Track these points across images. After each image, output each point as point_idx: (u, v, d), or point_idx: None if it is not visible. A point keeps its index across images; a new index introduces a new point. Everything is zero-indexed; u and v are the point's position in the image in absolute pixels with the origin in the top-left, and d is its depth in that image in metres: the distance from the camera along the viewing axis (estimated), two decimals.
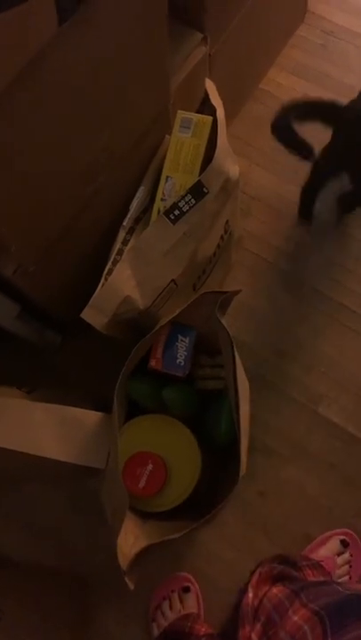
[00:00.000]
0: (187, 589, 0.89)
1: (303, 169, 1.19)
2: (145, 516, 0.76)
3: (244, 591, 0.78)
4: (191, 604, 0.88)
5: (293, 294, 1.11)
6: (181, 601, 0.88)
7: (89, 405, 0.76)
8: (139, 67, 0.68)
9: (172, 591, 0.90)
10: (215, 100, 0.79)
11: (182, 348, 0.78)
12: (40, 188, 0.66)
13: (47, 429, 0.72)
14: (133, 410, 0.82)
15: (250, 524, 0.96)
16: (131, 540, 0.68)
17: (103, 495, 0.73)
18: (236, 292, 0.75)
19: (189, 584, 0.90)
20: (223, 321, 0.69)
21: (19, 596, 0.83)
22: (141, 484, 0.73)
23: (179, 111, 0.78)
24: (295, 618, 0.60)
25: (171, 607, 0.88)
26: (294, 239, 1.15)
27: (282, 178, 1.20)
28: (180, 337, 0.78)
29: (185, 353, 0.78)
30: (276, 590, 0.71)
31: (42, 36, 0.47)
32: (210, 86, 0.81)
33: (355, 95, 0.89)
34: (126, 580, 0.62)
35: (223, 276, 1.07)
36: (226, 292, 0.71)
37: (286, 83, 1.28)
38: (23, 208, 0.66)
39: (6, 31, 0.43)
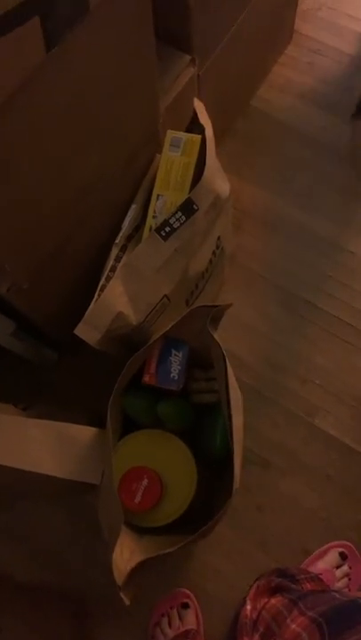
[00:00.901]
0: (185, 605, 0.89)
1: (293, 185, 1.22)
2: (141, 531, 0.76)
3: (242, 605, 0.78)
4: (190, 620, 0.87)
5: (287, 308, 1.12)
6: (180, 617, 0.88)
7: (85, 422, 0.77)
8: (128, 89, 0.70)
9: (171, 607, 0.89)
10: (204, 119, 0.81)
11: (176, 362, 0.79)
12: (32, 208, 0.67)
13: (43, 446, 0.72)
14: (129, 425, 0.82)
15: (248, 537, 0.96)
16: (126, 555, 0.68)
17: (99, 511, 0.73)
18: (228, 306, 0.76)
19: (188, 600, 0.90)
20: (215, 334, 0.70)
21: (17, 612, 0.83)
22: (137, 498, 0.73)
23: (168, 131, 0.79)
24: (293, 626, 0.60)
25: (170, 624, 0.87)
26: (286, 253, 1.16)
27: (273, 193, 1.22)
28: (173, 351, 0.79)
29: (179, 367, 0.78)
30: (275, 601, 0.71)
31: (29, 63, 0.49)
32: (198, 106, 0.83)
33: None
34: (122, 595, 0.61)
35: (216, 290, 1.08)
36: (217, 306, 0.72)
37: (276, 100, 1.31)
38: (16, 227, 0.67)
39: None
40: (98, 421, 0.77)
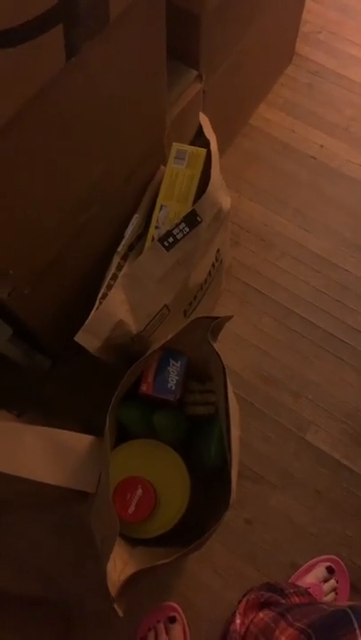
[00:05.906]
0: (173, 619, 0.88)
1: (290, 203, 1.24)
2: (134, 542, 0.75)
3: (231, 619, 0.77)
4: (177, 635, 0.87)
5: (281, 322, 1.13)
6: (167, 631, 0.87)
7: (78, 429, 0.76)
8: (138, 101, 0.71)
9: (158, 621, 0.88)
10: (209, 133, 0.82)
11: (174, 372, 0.79)
12: (36, 216, 0.67)
13: (37, 452, 0.71)
14: (122, 434, 0.82)
15: (237, 552, 0.96)
16: (119, 566, 0.67)
17: (92, 521, 0.72)
18: (228, 318, 0.76)
19: (175, 614, 0.89)
20: (215, 346, 0.70)
21: (6, 625, 0.81)
22: (131, 509, 0.73)
23: (174, 143, 0.80)
24: (282, 638, 0.60)
25: (156, 638, 0.86)
26: (282, 268, 1.17)
27: (270, 210, 1.23)
28: (171, 362, 0.79)
29: (176, 377, 0.79)
30: (263, 614, 0.71)
31: (49, 71, 0.49)
32: (204, 120, 0.84)
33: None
34: (115, 607, 0.61)
35: (213, 302, 1.09)
36: (218, 318, 0.72)
37: (275, 119, 1.33)
38: (20, 234, 0.67)
39: (16, 64, 0.45)
40: (91, 429, 0.77)
